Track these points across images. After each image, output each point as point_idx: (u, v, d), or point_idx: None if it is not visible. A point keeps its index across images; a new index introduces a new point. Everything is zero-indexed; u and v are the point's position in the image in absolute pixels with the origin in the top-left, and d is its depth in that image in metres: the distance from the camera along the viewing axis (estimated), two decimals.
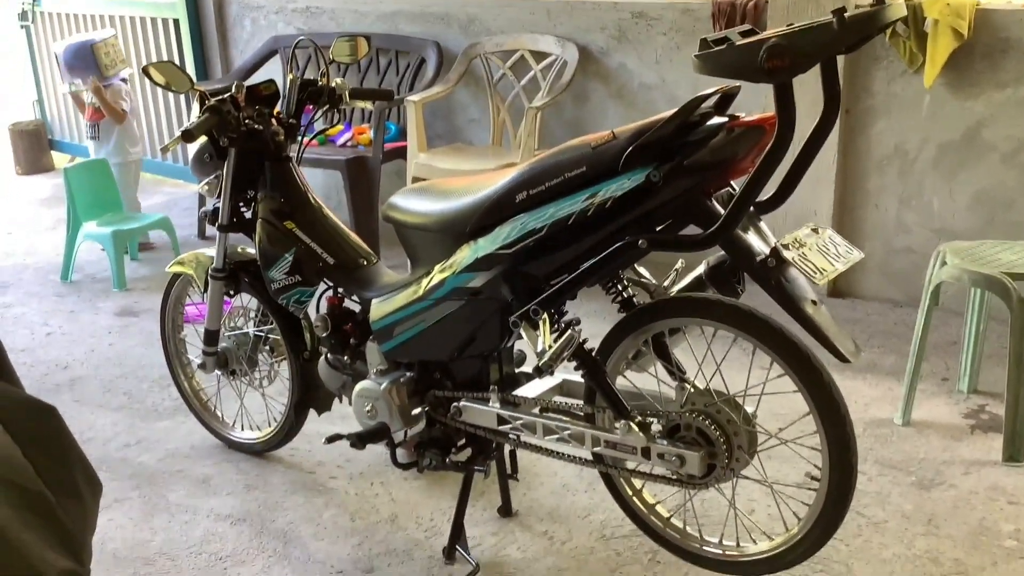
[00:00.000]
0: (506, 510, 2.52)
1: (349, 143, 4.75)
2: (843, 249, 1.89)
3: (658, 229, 1.92)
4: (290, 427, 2.74)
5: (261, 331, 2.73)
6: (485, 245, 2.03)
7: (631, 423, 1.99)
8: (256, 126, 2.50)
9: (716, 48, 1.71)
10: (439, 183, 2.32)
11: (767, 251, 1.81)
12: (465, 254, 2.07)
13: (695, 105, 1.80)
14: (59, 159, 6.78)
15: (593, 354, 2.04)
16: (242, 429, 2.90)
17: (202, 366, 2.77)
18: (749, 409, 1.98)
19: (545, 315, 1.99)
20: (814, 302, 1.82)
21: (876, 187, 3.83)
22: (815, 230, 1.91)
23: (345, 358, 2.46)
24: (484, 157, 4.38)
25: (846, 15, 1.60)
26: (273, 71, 5.18)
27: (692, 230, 1.88)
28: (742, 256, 1.84)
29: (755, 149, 1.82)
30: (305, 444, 2.86)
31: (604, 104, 4.40)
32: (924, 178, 3.73)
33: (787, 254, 1.79)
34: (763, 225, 1.92)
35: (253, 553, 2.39)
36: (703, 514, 2.32)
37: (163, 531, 2.49)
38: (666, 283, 2.15)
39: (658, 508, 2.22)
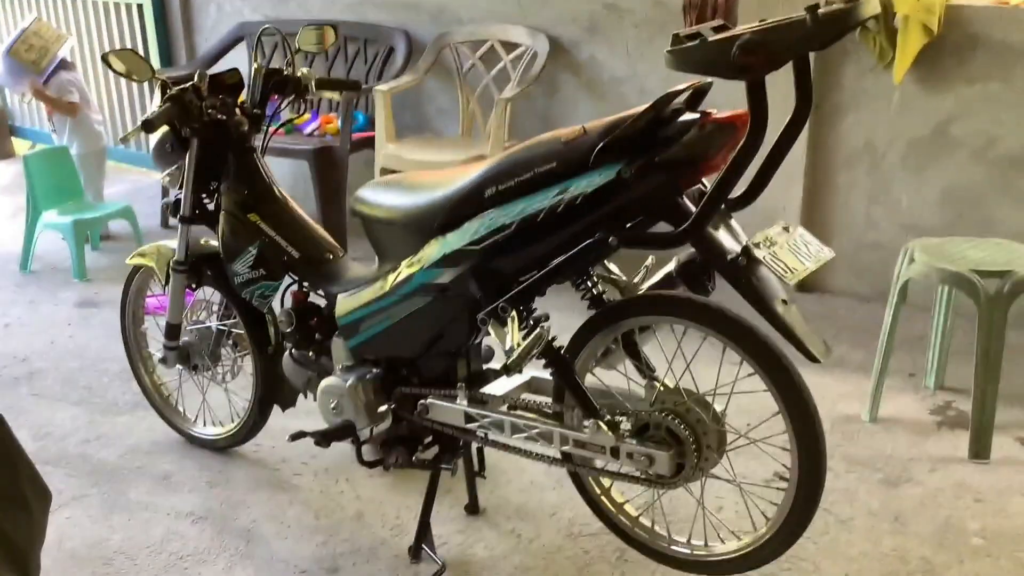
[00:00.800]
0: (473, 508, 2.49)
1: (316, 132, 4.68)
2: (814, 248, 1.88)
3: (628, 226, 1.90)
4: (254, 423, 2.69)
5: (224, 325, 2.68)
6: (453, 241, 2.00)
7: (600, 422, 1.96)
8: (219, 116, 2.44)
9: (688, 44, 1.68)
10: (407, 177, 2.28)
11: (738, 249, 1.79)
12: (433, 250, 2.04)
13: (667, 101, 1.77)
14: (20, 145, 6.65)
15: (562, 352, 2.01)
16: (204, 425, 2.85)
17: (163, 360, 2.71)
18: (718, 408, 1.97)
19: (514, 312, 1.96)
20: (784, 301, 1.81)
21: (845, 183, 3.84)
22: (786, 228, 1.89)
23: (310, 354, 2.42)
24: (454, 148, 4.34)
25: (820, 12, 1.58)
26: (239, 59, 5.11)
27: (663, 227, 1.86)
28: (713, 254, 1.81)
29: (727, 146, 1.79)
30: (269, 440, 2.81)
31: (575, 96, 4.37)
32: (893, 174, 3.73)
33: (758, 253, 1.77)
34: (734, 223, 1.90)
35: (215, 552, 2.35)
36: (671, 513, 2.30)
37: (122, 529, 2.44)
38: (636, 279, 2.13)
39: (626, 507, 2.20)
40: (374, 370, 2.27)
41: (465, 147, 4.34)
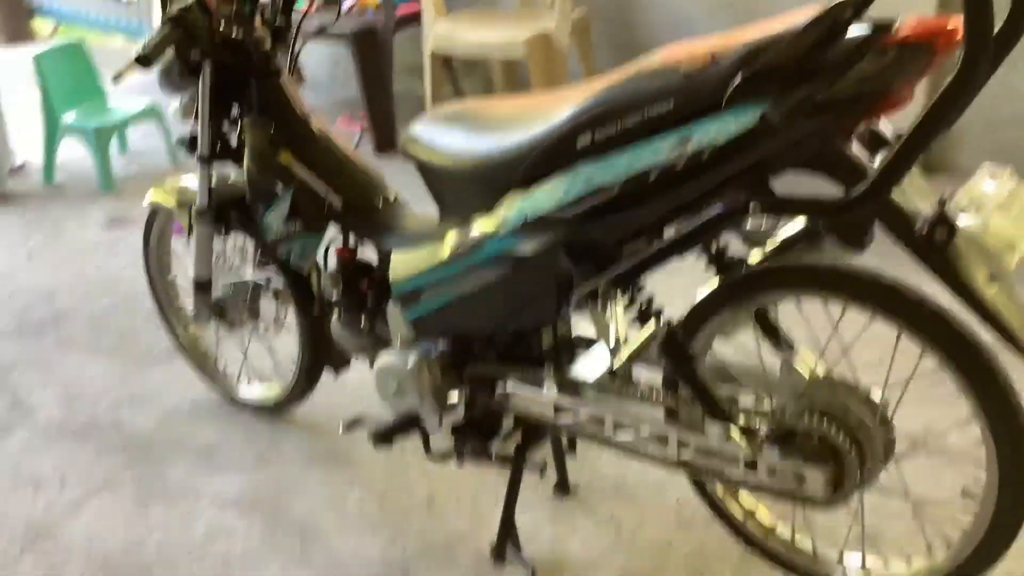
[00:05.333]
0: (563, 487, 2.12)
1: (354, 8, 4.14)
2: None
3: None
4: (302, 388, 2.32)
5: (263, 277, 2.27)
6: (537, 203, 1.54)
7: (731, 429, 1.54)
8: (234, 33, 1.96)
9: None
10: (476, 109, 1.78)
11: (928, 213, 1.31)
12: (512, 212, 1.58)
13: (835, 14, 1.26)
14: (44, 27, 6.18)
15: (680, 338, 1.57)
16: (249, 385, 2.49)
17: (196, 317, 2.33)
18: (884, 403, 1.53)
19: (618, 294, 1.52)
20: (992, 277, 1.34)
21: None
22: (993, 177, 1.40)
23: (362, 323, 2.01)
24: (514, 23, 3.78)
25: None
26: None
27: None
28: (897, 223, 1.34)
29: (919, 74, 1.29)
30: (323, 397, 2.44)
31: None
32: None
33: (961, 222, 1.29)
34: (915, 169, 1.41)
35: (266, 554, 2.01)
36: (817, 521, 1.89)
37: (160, 527, 2.11)
38: (765, 226, 1.66)
39: (759, 514, 1.80)
40: (439, 347, 1.86)
41: (527, 20, 3.78)
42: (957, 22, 1.21)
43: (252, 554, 2.02)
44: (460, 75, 4.30)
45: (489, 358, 1.85)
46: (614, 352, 1.52)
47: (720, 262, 1.61)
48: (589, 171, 1.46)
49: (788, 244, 1.60)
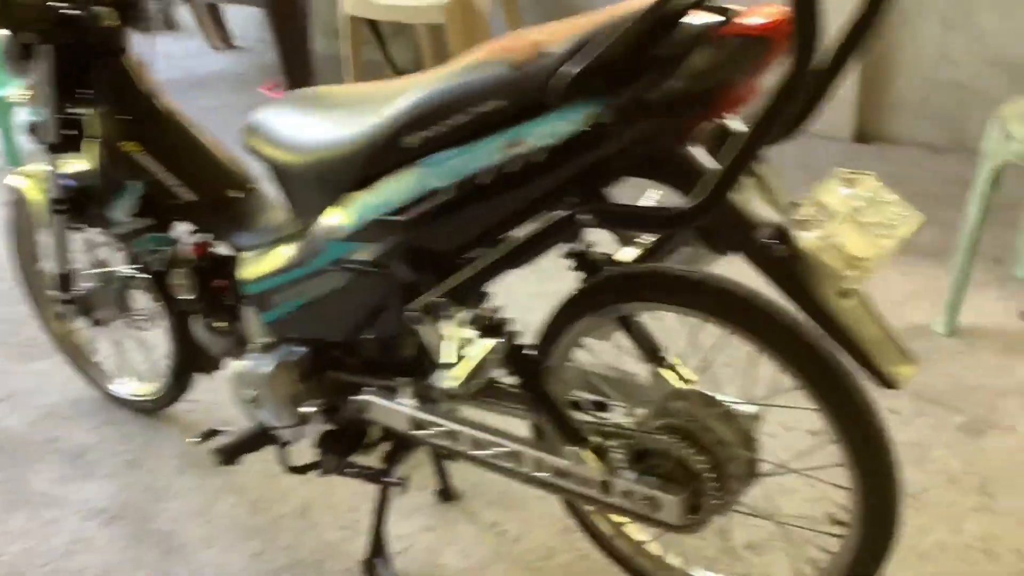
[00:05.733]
0: (445, 494, 2.01)
1: None
2: (893, 212, 1.26)
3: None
4: (177, 388, 2.19)
5: (132, 269, 2.12)
6: (369, 206, 1.41)
7: (582, 451, 1.43)
8: (69, 8, 1.80)
9: None
10: (321, 96, 1.62)
11: (773, 221, 1.19)
12: (348, 214, 1.45)
13: (670, 1, 1.13)
14: None
15: (528, 353, 1.44)
16: (123, 379, 2.36)
17: (61, 316, 2.19)
18: (748, 420, 1.42)
19: (456, 309, 1.39)
20: (844, 292, 1.21)
21: (913, 5, 3.08)
22: (848, 181, 1.27)
23: (222, 324, 1.87)
24: None
25: None
26: None
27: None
28: (734, 232, 1.21)
29: (758, 68, 1.15)
30: (209, 395, 2.32)
31: None
32: None
33: (804, 238, 1.16)
34: (764, 167, 1.28)
35: (125, 569, 1.89)
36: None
37: (21, 538, 1.99)
38: None
39: (627, 530, 1.69)
40: (299, 350, 1.73)
41: None
42: None
43: (111, 569, 1.90)
44: (388, 39, 4.12)
45: (351, 365, 1.72)
46: (448, 369, 1.39)
47: (583, 264, 1.48)
48: (421, 172, 1.33)
49: (656, 245, 1.49)
